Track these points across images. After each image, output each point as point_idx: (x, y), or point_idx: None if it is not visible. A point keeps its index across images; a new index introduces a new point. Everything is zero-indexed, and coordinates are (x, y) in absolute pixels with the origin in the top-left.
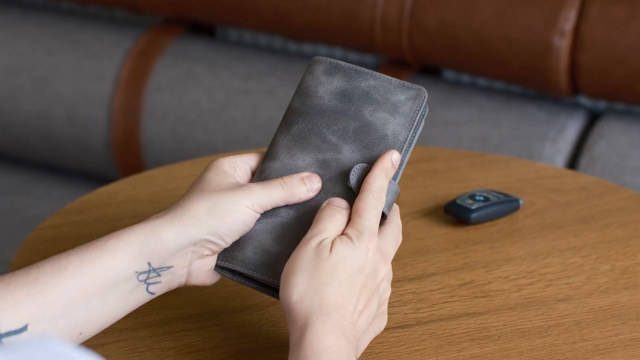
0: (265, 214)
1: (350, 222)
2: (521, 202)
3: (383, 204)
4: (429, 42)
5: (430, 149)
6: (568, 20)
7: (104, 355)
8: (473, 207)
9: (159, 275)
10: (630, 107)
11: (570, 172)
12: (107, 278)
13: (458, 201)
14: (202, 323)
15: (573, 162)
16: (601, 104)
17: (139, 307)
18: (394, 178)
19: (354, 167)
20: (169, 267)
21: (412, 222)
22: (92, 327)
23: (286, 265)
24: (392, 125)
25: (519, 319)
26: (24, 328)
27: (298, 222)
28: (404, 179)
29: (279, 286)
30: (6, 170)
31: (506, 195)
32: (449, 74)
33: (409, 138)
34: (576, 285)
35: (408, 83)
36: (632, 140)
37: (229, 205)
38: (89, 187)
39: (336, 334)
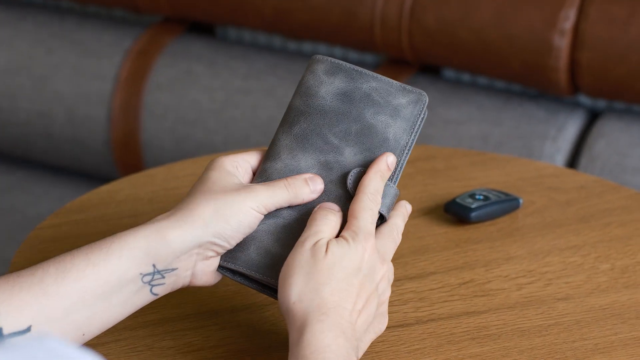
0: (268, 215)
1: (347, 224)
2: (521, 201)
3: (379, 206)
4: (428, 41)
5: (430, 147)
6: (568, 19)
7: (103, 354)
8: (473, 206)
9: (164, 277)
10: (630, 106)
11: (570, 171)
12: (111, 280)
13: (458, 200)
14: (201, 322)
15: (573, 161)
16: (601, 103)
17: None
18: (393, 181)
19: (351, 171)
20: (173, 269)
21: (412, 221)
22: (95, 328)
23: (283, 267)
24: (394, 128)
25: (519, 318)
26: (27, 329)
27: (300, 223)
28: (404, 178)
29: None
30: (6, 169)
31: (506, 194)
32: (449, 73)
33: (409, 142)
34: (576, 284)
35: (409, 86)
36: (632, 139)
37: (235, 208)
38: (89, 186)
39: (334, 332)
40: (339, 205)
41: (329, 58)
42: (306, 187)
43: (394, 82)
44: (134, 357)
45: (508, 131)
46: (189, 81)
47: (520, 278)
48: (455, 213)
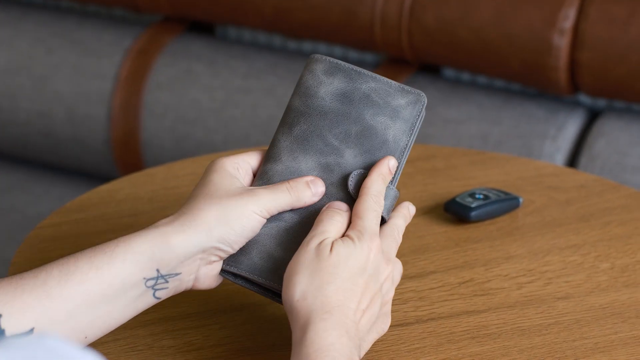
0: (270, 218)
1: (351, 224)
2: (521, 200)
3: (382, 207)
4: (428, 40)
5: (430, 147)
6: (568, 18)
7: (103, 354)
8: (473, 205)
9: (167, 282)
10: (630, 105)
11: (570, 170)
12: (114, 284)
13: (458, 199)
14: (201, 321)
15: (573, 160)
16: (601, 102)
17: None
18: (392, 183)
19: (352, 173)
20: (177, 274)
21: (412, 220)
22: (97, 331)
23: (288, 266)
24: (393, 130)
25: (518, 317)
26: (30, 332)
27: (301, 227)
28: (404, 177)
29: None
30: (6, 168)
31: (506, 194)
32: (448, 72)
33: (409, 144)
34: (576, 283)
35: (408, 87)
36: (632, 138)
37: (238, 212)
38: (89, 185)
39: (338, 331)
40: None
41: (328, 58)
42: (308, 190)
43: (393, 82)
44: (134, 356)
45: (508, 130)
46: (189, 80)
47: (520, 277)
48: (455, 212)
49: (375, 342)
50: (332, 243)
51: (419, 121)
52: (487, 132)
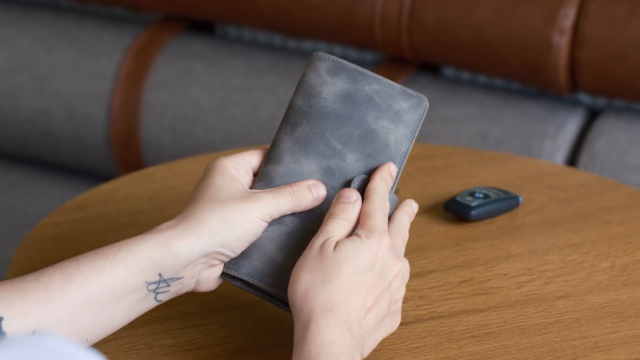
0: (271, 222)
1: (360, 224)
2: (521, 199)
3: (388, 208)
4: (428, 40)
5: (430, 146)
6: (567, 17)
7: (103, 353)
8: (473, 205)
9: (169, 286)
10: (630, 104)
11: (570, 169)
12: (116, 288)
13: (458, 198)
14: (201, 320)
15: (573, 159)
16: (601, 101)
17: None
18: (391, 188)
19: (355, 179)
20: (179, 278)
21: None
22: (99, 334)
23: (294, 268)
24: (395, 134)
25: (518, 316)
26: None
27: (302, 231)
28: (404, 176)
29: (282, 297)
30: (6, 168)
31: (506, 193)
32: (448, 71)
33: (409, 149)
34: (576, 282)
35: (410, 90)
36: (632, 137)
37: (241, 217)
38: (89, 184)
39: (340, 328)
40: None
41: (331, 56)
42: (309, 194)
43: (396, 85)
44: (134, 355)
45: (507, 129)
46: (189, 79)
47: (520, 276)
48: (455, 211)
49: None
50: (338, 242)
51: (419, 125)
52: (487, 131)
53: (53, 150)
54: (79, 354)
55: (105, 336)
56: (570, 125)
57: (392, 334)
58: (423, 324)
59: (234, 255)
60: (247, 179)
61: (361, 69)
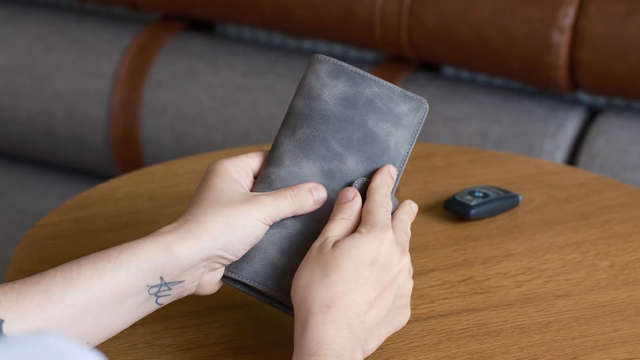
0: (272, 225)
1: (362, 221)
2: (520, 198)
3: (391, 206)
4: (428, 38)
5: (430, 145)
6: (567, 16)
7: (103, 352)
8: (472, 204)
9: (170, 289)
10: (629, 103)
11: (570, 168)
12: (118, 292)
13: (457, 197)
14: (201, 319)
15: (572, 158)
16: (601, 100)
17: None
18: (392, 190)
19: (356, 181)
20: (180, 282)
21: None
22: (100, 337)
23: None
24: (395, 137)
25: (518, 315)
26: None
27: (303, 234)
28: (404, 175)
29: (283, 299)
30: (6, 167)
31: (505, 192)
32: (448, 70)
33: (409, 152)
34: (576, 281)
35: (410, 93)
36: (632, 136)
37: (243, 221)
38: (89, 183)
39: (338, 324)
40: None
41: (332, 59)
42: (310, 197)
43: (396, 87)
44: (133, 354)
45: (507, 128)
46: (189, 79)
47: (520, 275)
48: (454, 210)
49: None
50: (337, 240)
51: (419, 128)
52: (486, 130)
53: (53, 150)
54: (79, 353)
55: (106, 339)
56: (570, 124)
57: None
58: (423, 322)
59: (235, 259)
60: (248, 181)
61: (361, 72)
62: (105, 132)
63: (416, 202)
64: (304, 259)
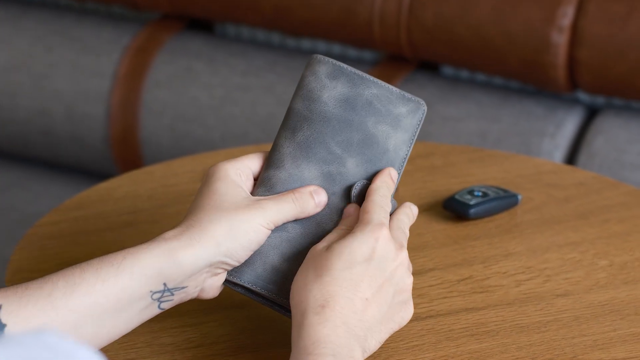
0: (274, 229)
1: (359, 221)
2: (520, 197)
3: (390, 206)
4: (427, 38)
5: (429, 144)
6: (566, 16)
7: (102, 351)
8: (472, 203)
9: (173, 295)
10: (629, 103)
11: (569, 168)
12: (121, 297)
13: (457, 197)
14: (200, 319)
15: (571, 158)
16: (600, 100)
17: None
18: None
19: (356, 184)
20: (183, 287)
21: None
22: (101, 341)
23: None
24: (394, 139)
25: (517, 314)
26: None
27: (304, 238)
28: (403, 175)
29: (285, 303)
30: (5, 167)
31: (505, 191)
32: (447, 70)
33: (408, 154)
34: (575, 280)
35: (408, 94)
36: (631, 136)
37: (246, 226)
38: (88, 183)
39: (333, 322)
40: (340, 217)
41: (331, 60)
42: (311, 200)
43: (394, 89)
44: (133, 353)
45: (506, 128)
46: (188, 78)
47: (519, 274)
48: (453, 210)
49: None
50: (332, 243)
51: (418, 130)
52: (485, 130)
53: (52, 149)
54: (78, 352)
55: (108, 343)
56: (569, 123)
57: None
58: (422, 322)
59: (237, 264)
60: (248, 184)
61: (360, 73)
62: (105, 131)
63: (415, 201)
64: (303, 264)
